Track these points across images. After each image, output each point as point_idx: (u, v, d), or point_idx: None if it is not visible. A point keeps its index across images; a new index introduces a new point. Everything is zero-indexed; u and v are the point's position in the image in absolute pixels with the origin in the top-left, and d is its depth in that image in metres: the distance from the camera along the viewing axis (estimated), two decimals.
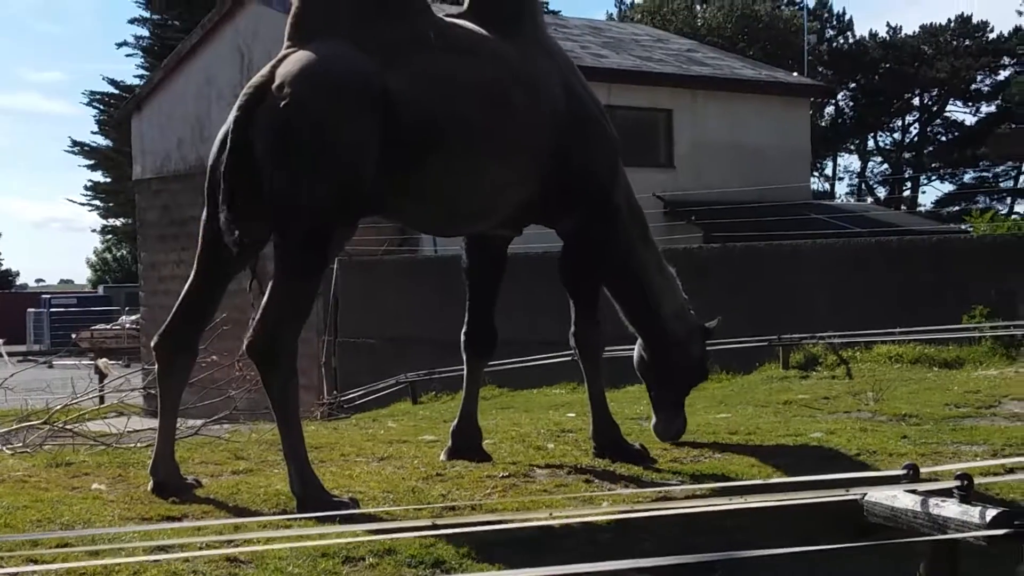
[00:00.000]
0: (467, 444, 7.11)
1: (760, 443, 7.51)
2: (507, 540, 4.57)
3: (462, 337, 7.32)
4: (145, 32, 50.89)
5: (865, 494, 3.34)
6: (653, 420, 7.64)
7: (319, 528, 4.46)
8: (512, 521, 3.40)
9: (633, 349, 7.87)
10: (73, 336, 45.27)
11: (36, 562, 4.44)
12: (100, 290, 63.18)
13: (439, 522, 3.21)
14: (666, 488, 6.13)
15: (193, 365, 6.40)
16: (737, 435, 7.89)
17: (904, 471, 3.36)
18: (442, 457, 7.09)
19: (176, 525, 5.30)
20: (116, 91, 50.18)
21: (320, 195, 5.77)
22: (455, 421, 7.27)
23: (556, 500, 5.83)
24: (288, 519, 4.94)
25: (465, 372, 7.37)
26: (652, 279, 7.53)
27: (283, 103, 5.81)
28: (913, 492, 3.25)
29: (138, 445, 8.29)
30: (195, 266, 6.20)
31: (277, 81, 5.89)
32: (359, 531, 4.70)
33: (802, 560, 4.01)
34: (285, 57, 6.06)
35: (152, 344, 6.24)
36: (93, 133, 55.33)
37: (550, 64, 7.02)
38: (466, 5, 7.09)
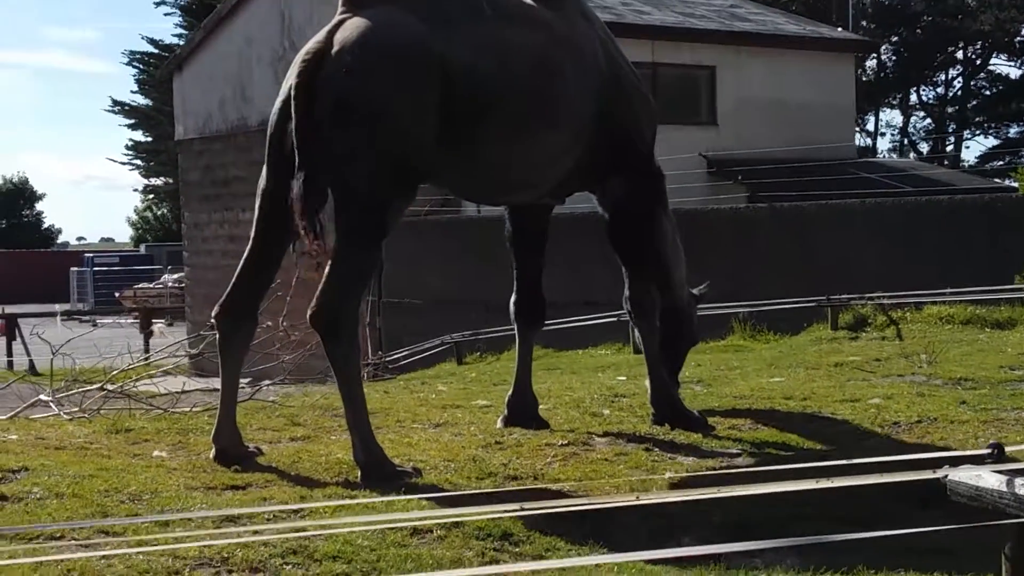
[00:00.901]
0: (524, 413, 7.12)
1: (817, 409, 7.46)
2: (573, 512, 4.56)
3: (511, 306, 7.34)
4: None
5: (947, 474, 3.30)
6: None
7: (385, 499, 4.48)
8: (596, 502, 3.38)
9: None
10: (116, 295, 45.64)
11: (107, 533, 4.47)
12: (142, 249, 63.54)
13: (526, 505, 3.20)
14: (728, 457, 6.12)
15: (254, 332, 6.42)
16: (792, 400, 7.85)
17: (988, 450, 3.32)
18: (499, 424, 7.10)
19: (241, 494, 5.33)
20: (155, 50, 50.24)
21: (381, 164, 5.77)
22: (510, 391, 7.27)
23: (618, 470, 5.82)
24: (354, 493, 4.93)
25: (517, 342, 7.39)
26: (674, 250, 7.47)
27: (343, 71, 5.78)
28: (998, 472, 3.21)
29: (193, 409, 8.35)
30: (253, 233, 6.18)
31: (336, 47, 5.86)
32: (424, 503, 4.70)
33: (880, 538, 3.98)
34: (341, 23, 6.01)
35: (213, 313, 6.24)
36: (132, 92, 55.46)
37: (591, 31, 7.06)
38: None
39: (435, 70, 5.91)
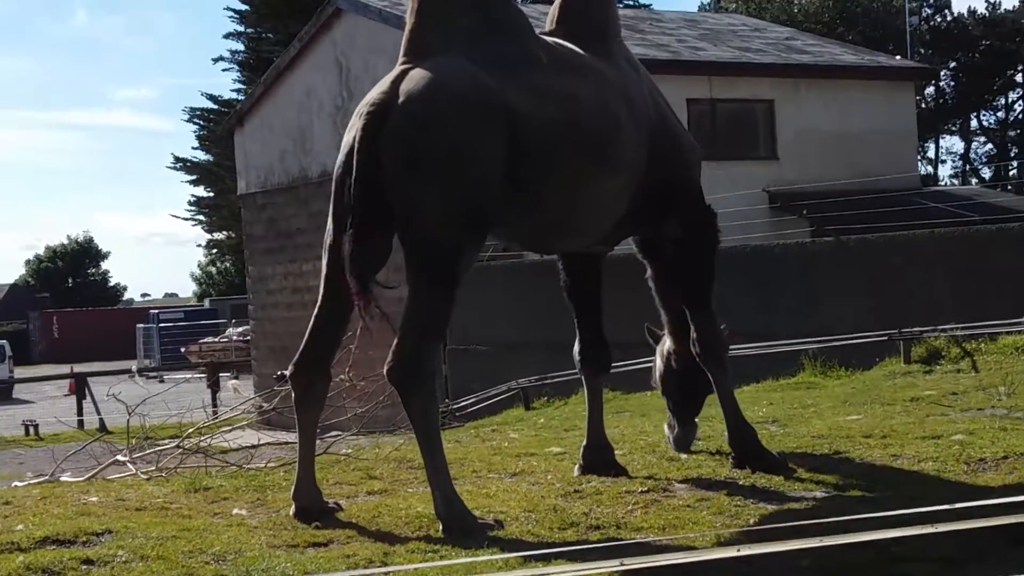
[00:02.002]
0: (600, 461, 7.06)
1: (899, 446, 7.33)
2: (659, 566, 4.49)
3: (575, 355, 7.33)
4: (240, 46, 51.49)
5: None
6: (674, 431, 7.61)
7: (469, 556, 4.43)
8: (700, 552, 3.32)
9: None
10: (182, 350, 46.01)
11: None
12: (206, 303, 64.15)
13: (626, 562, 3.14)
14: (813, 501, 6.02)
15: (327, 388, 6.40)
16: (872, 438, 7.72)
17: None
18: (576, 472, 7.04)
19: (324, 551, 5.31)
20: (215, 106, 50.82)
21: (452, 213, 5.75)
22: (584, 440, 7.22)
23: (701, 516, 5.74)
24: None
25: (585, 389, 7.37)
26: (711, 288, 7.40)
27: (411, 121, 5.77)
28: None
29: (269, 465, 8.36)
30: (322, 290, 6.17)
31: (402, 98, 5.84)
32: (510, 558, 4.65)
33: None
34: (405, 73, 6.00)
35: (288, 373, 6.26)
36: (194, 148, 56.20)
37: (637, 77, 7.11)
38: (553, 23, 7.17)
39: (500, 117, 5.91)
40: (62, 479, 8.77)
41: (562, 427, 10.30)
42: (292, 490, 6.23)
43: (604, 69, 6.75)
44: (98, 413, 23.40)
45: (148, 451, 9.20)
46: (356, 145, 5.82)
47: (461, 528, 5.52)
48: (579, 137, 6.29)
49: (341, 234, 5.87)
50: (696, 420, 7.72)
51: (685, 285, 7.22)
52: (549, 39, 6.81)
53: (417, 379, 5.70)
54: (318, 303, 6.23)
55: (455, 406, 17.94)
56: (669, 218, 7.09)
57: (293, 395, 6.28)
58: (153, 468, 8.58)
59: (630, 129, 6.68)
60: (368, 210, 5.72)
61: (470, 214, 5.81)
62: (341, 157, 6.04)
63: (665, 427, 7.72)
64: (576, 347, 7.33)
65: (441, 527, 5.62)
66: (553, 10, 7.30)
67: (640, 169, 6.76)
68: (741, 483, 6.55)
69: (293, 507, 6.13)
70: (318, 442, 9.65)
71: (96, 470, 8.99)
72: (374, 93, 5.99)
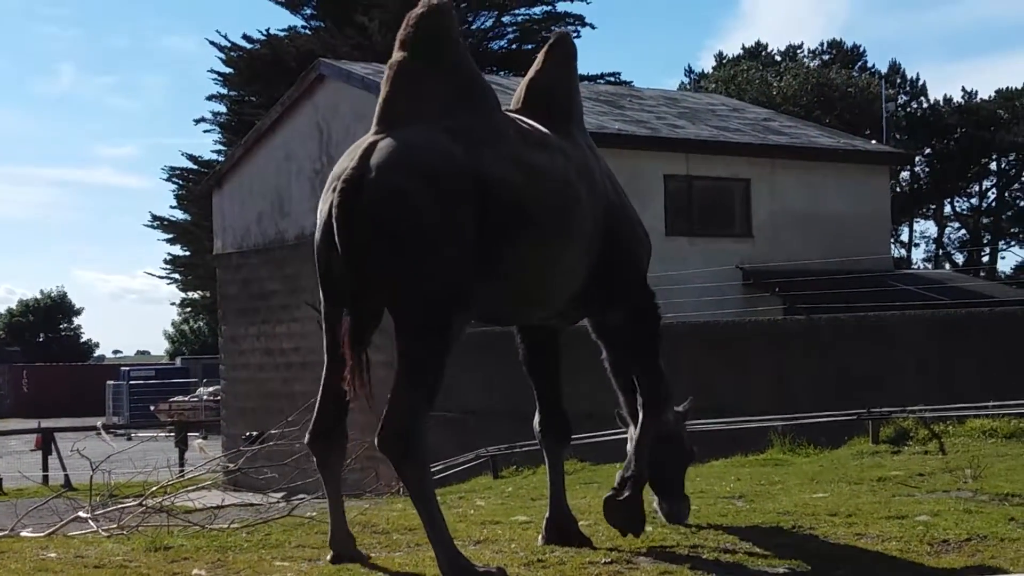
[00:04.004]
0: (563, 532, 7.05)
1: (864, 526, 7.33)
2: None
3: (535, 427, 7.35)
4: (223, 108, 51.65)
5: None
6: (664, 508, 7.67)
7: None
8: None
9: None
10: (152, 408, 45.74)
11: None
12: (178, 362, 63.89)
13: None
14: None
15: (346, 448, 6.51)
16: (838, 516, 7.73)
17: None
18: (539, 542, 7.02)
19: None
20: (195, 166, 50.90)
21: (432, 286, 5.81)
22: (547, 512, 7.21)
23: None
24: None
25: (546, 462, 7.36)
26: (663, 371, 7.48)
27: (383, 196, 5.81)
28: None
29: (232, 526, 8.29)
30: (326, 354, 6.23)
31: (373, 173, 5.87)
32: None
33: None
34: (375, 144, 6.04)
35: (306, 442, 6.37)
36: (172, 207, 56.04)
37: (596, 162, 7.24)
38: (519, 103, 7.31)
39: (470, 187, 5.97)
40: (22, 534, 8.68)
41: (529, 496, 10.27)
42: (328, 538, 6.45)
43: (566, 147, 6.88)
44: (63, 469, 23.19)
45: (110, 508, 9.13)
46: (335, 222, 5.87)
47: None
48: (545, 209, 6.37)
49: (331, 306, 6.04)
50: (686, 493, 7.74)
51: (634, 370, 7.37)
52: (514, 115, 6.95)
53: (409, 447, 5.73)
54: (324, 368, 6.26)
55: None
56: (614, 303, 7.22)
57: (315, 460, 6.40)
58: (115, 526, 8.50)
59: (589, 205, 6.79)
60: (360, 284, 5.83)
61: (449, 285, 5.86)
62: (319, 233, 6.11)
63: (655, 505, 7.72)
64: (536, 418, 7.36)
65: None
66: (519, 89, 7.46)
67: (595, 246, 6.87)
68: (705, 557, 6.54)
69: (330, 554, 6.39)
70: (281, 504, 9.66)
71: (57, 526, 8.91)
72: (345, 167, 6.00)
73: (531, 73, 7.47)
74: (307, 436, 6.35)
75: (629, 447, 7.66)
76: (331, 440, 6.32)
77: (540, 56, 7.51)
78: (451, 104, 6.34)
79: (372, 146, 6.02)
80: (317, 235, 6.11)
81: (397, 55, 6.46)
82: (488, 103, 6.59)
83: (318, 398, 6.32)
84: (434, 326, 5.84)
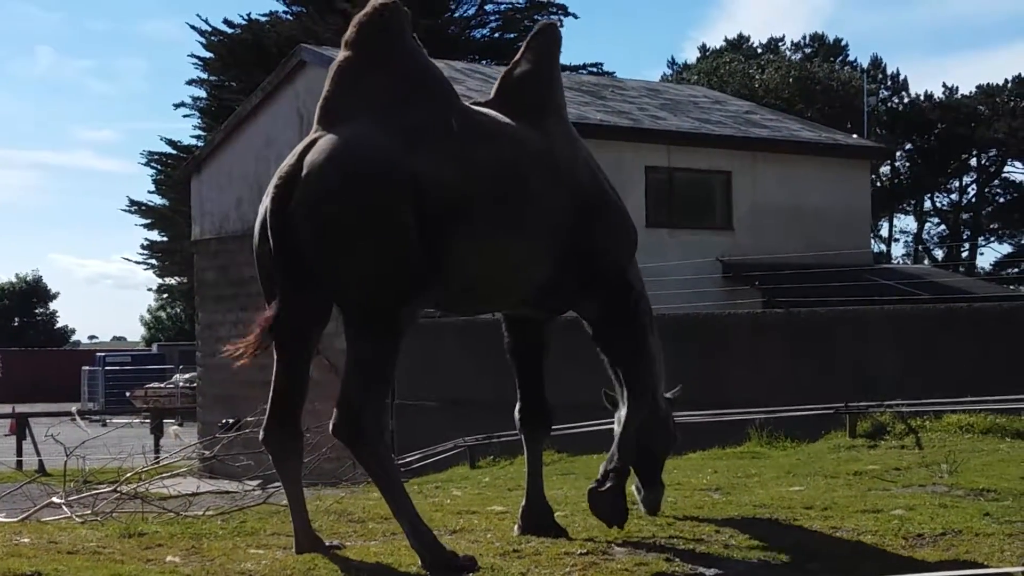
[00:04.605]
0: (539, 523, 7.03)
1: (839, 519, 7.34)
2: None
3: (516, 415, 7.33)
4: (202, 93, 51.49)
5: None
6: (641, 493, 7.60)
7: None
8: None
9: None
10: (127, 394, 45.61)
11: None
12: (154, 348, 63.67)
13: None
14: (749, 568, 6.02)
15: (302, 443, 6.47)
16: (813, 510, 7.74)
17: (1023, 568, 3.24)
18: (515, 532, 7.00)
19: None
20: (174, 151, 50.71)
21: (369, 282, 5.87)
22: (523, 501, 7.19)
23: None
24: None
25: (525, 451, 7.34)
26: (658, 367, 7.51)
27: (315, 193, 5.87)
28: None
29: (207, 513, 8.25)
30: (275, 352, 6.22)
31: (306, 170, 5.94)
32: None
33: None
34: (313, 143, 6.11)
35: (260, 439, 6.35)
36: (150, 192, 55.88)
37: (573, 152, 7.19)
38: (492, 95, 7.30)
39: (405, 184, 5.98)
40: None
41: (506, 486, 10.25)
42: (294, 542, 6.38)
43: (525, 138, 6.82)
44: (37, 454, 23.09)
45: (85, 494, 9.06)
46: (269, 217, 5.96)
47: (436, 559, 5.73)
48: (487, 203, 6.34)
49: (270, 301, 6.03)
50: (663, 481, 7.73)
51: (615, 363, 7.35)
52: (476, 107, 6.94)
53: (362, 431, 5.79)
54: (275, 365, 6.24)
55: (400, 462, 17.81)
56: (589, 294, 7.18)
57: (271, 456, 6.36)
58: (89, 512, 8.44)
59: (549, 197, 6.73)
60: (292, 280, 5.89)
61: (389, 279, 5.90)
62: (257, 229, 6.17)
63: (632, 489, 7.69)
64: (517, 407, 7.35)
65: (420, 562, 5.78)
66: (497, 82, 7.45)
67: (562, 237, 6.82)
68: (681, 548, 6.54)
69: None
70: (257, 492, 9.61)
71: (30, 512, 8.85)
72: (284, 164, 6.09)
73: (511, 64, 7.47)
74: (261, 433, 6.33)
75: (616, 428, 7.66)
76: (285, 437, 6.29)
77: (523, 45, 7.50)
78: (394, 101, 6.35)
79: (310, 145, 6.10)
80: (256, 232, 6.17)
81: (341, 55, 6.51)
82: (438, 98, 6.56)
83: (270, 396, 6.31)
84: (378, 321, 5.90)
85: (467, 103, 6.91)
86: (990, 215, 60.19)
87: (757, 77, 53.49)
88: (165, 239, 53.65)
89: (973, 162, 59.33)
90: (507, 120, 6.87)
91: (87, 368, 54.05)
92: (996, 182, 60.42)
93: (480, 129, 6.62)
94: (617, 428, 7.66)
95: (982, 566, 5.18)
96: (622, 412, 7.47)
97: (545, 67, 7.42)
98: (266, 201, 6.04)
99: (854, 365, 14.81)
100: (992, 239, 60.57)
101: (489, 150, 6.52)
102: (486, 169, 6.42)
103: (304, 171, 5.93)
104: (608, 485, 7.06)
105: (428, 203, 6.03)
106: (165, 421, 28.20)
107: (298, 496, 6.38)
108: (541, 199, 6.68)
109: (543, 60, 7.42)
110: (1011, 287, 36.00)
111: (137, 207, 53.24)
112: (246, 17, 48.09)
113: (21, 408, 32.64)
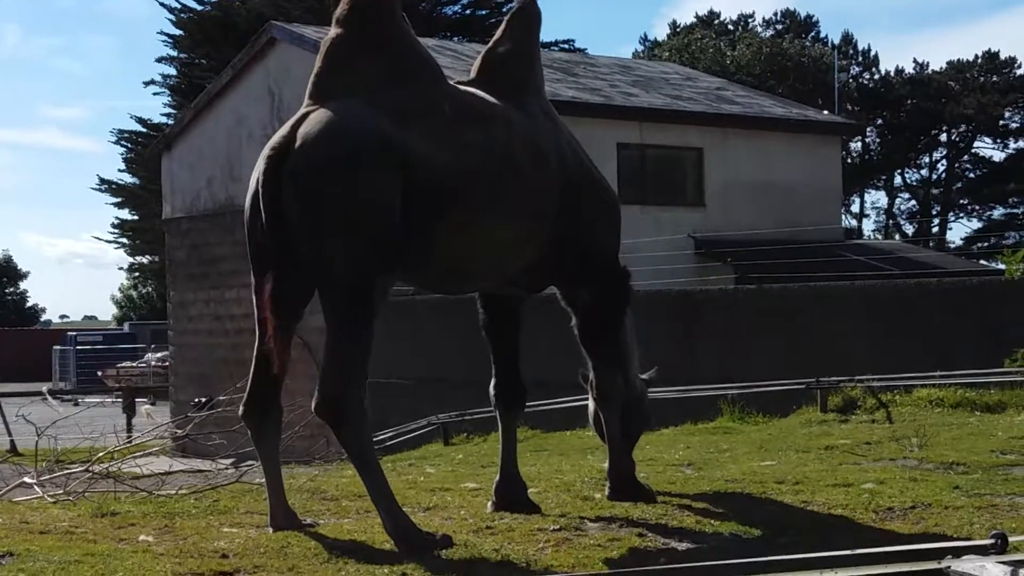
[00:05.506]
0: (513, 499, 7.06)
1: (810, 493, 7.40)
2: None
3: (491, 391, 7.37)
4: (172, 71, 51.18)
5: (950, 565, 3.25)
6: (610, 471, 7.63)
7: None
8: None
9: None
10: (99, 374, 45.40)
11: None
12: (125, 327, 63.32)
13: None
14: (723, 543, 6.05)
15: (281, 419, 6.48)
16: (785, 484, 7.78)
17: (992, 540, 3.28)
18: (489, 508, 7.03)
19: None
20: (144, 129, 50.41)
21: (354, 253, 5.87)
22: (497, 477, 7.22)
23: (611, 556, 5.74)
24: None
25: (499, 428, 7.36)
26: (631, 341, 7.58)
27: (307, 165, 5.89)
28: (1002, 563, 3.16)
29: (180, 492, 8.24)
30: (257, 328, 6.21)
31: (299, 142, 5.96)
32: None
33: None
34: (305, 116, 6.12)
35: (240, 414, 6.36)
36: (120, 171, 55.50)
37: (556, 132, 7.22)
38: (474, 74, 7.32)
39: (396, 161, 6.00)
40: None
41: (479, 463, 10.28)
42: (268, 518, 6.38)
43: (513, 119, 6.85)
44: (9, 434, 22.98)
45: (57, 474, 9.02)
46: (260, 189, 5.97)
47: (410, 544, 5.72)
48: (475, 184, 6.37)
49: (260, 276, 6.03)
50: (633, 459, 7.78)
51: (593, 342, 7.40)
52: (462, 88, 6.97)
53: (345, 410, 5.80)
54: (256, 342, 6.23)
55: (374, 439, 17.80)
56: (579, 278, 7.25)
57: (249, 433, 6.38)
58: (61, 492, 8.41)
59: (536, 177, 6.76)
60: (283, 252, 5.89)
61: (372, 252, 5.90)
62: (248, 201, 6.16)
63: (606, 466, 7.73)
64: (492, 384, 7.37)
65: (394, 543, 5.78)
66: (477, 61, 7.47)
67: (549, 217, 6.86)
68: (653, 523, 6.57)
69: (271, 532, 6.27)
70: (231, 471, 9.60)
71: (2, 492, 8.81)
72: (276, 136, 6.12)
73: (491, 43, 7.46)
74: (240, 409, 6.34)
75: (591, 407, 7.69)
76: (264, 412, 6.31)
77: (503, 24, 7.50)
78: (385, 79, 6.36)
79: (303, 118, 6.12)
80: (247, 204, 6.15)
81: (332, 31, 6.50)
82: (426, 77, 6.57)
83: (251, 371, 6.30)
84: (357, 294, 5.90)
85: (453, 83, 6.92)
86: (960, 190, 60.51)
87: (728, 54, 53.54)
88: (136, 218, 53.41)
89: (943, 138, 59.58)
90: (493, 101, 6.89)
91: (58, 348, 53.77)
92: (966, 158, 60.71)
93: (468, 110, 6.64)
94: (591, 404, 7.70)
95: (951, 539, 5.23)
96: (597, 392, 7.51)
97: (525, 46, 7.43)
98: (257, 172, 6.04)
99: (825, 340, 14.90)
100: (962, 215, 60.93)
101: (479, 130, 6.55)
102: (476, 149, 6.44)
103: (298, 142, 5.94)
104: (619, 483, 7.23)
105: (418, 180, 6.04)
106: (137, 400, 28.07)
107: (275, 473, 6.40)
108: (529, 179, 6.70)
109: (524, 39, 7.43)
110: (981, 262, 36.20)
111: (107, 186, 52.98)
112: None
113: None
